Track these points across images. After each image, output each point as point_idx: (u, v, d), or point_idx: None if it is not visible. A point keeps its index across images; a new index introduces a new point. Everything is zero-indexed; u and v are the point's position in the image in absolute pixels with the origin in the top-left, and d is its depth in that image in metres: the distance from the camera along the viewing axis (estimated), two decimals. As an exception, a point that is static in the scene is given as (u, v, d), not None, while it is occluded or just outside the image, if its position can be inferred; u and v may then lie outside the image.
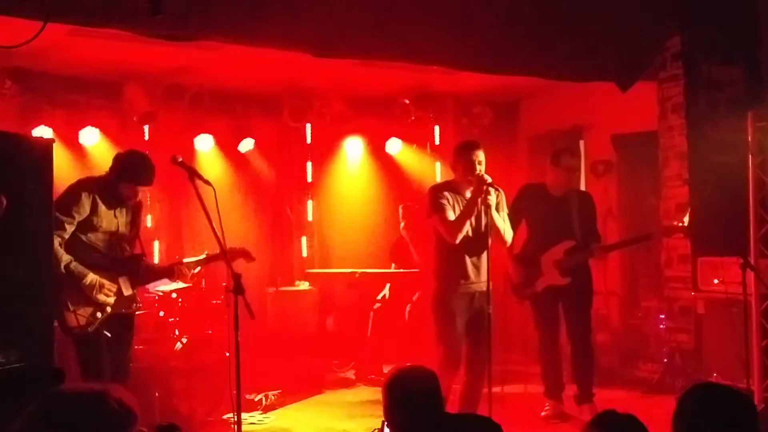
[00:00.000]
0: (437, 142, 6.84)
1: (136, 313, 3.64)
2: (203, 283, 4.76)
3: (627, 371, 5.25)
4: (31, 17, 3.04)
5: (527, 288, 4.30)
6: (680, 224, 4.74)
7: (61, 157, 5.10)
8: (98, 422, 1.29)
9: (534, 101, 6.87)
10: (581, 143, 6.41)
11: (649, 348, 5.35)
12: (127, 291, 3.45)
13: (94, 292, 3.31)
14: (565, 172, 4.29)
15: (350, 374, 5.58)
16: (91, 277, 3.31)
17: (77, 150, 5.44)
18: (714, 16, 4.97)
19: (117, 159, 3.52)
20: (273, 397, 4.72)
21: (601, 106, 5.96)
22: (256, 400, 4.64)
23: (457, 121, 6.74)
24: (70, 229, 3.30)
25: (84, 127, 5.34)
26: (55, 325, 3.51)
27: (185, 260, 3.69)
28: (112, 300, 3.38)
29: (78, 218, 3.32)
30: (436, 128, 6.81)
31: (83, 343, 3.36)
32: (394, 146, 6.60)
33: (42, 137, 4.63)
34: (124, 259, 3.50)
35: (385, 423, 2.18)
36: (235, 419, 2.95)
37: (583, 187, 6.11)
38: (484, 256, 3.66)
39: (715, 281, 4.54)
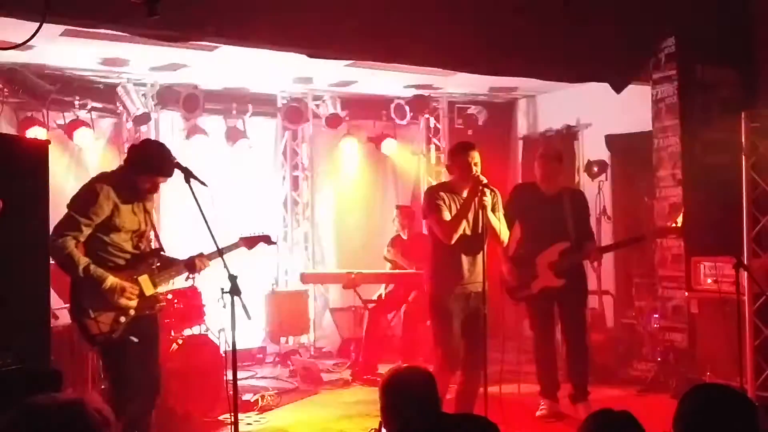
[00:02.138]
0: (432, 142, 6.86)
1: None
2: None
3: (621, 370, 5.27)
4: (28, 18, 3.03)
5: (523, 290, 4.32)
6: (673, 225, 4.77)
7: (55, 158, 5.06)
8: None
9: (528, 102, 6.90)
10: (575, 144, 6.44)
11: (643, 347, 5.37)
12: (148, 291, 3.25)
13: (116, 296, 3.12)
14: (542, 165, 4.34)
15: (346, 374, 5.59)
16: (111, 281, 3.11)
17: (72, 151, 5.43)
18: (708, 17, 5.01)
19: (133, 150, 3.32)
20: (269, 398, 4.73)
21: (595, 107, 6.00)
22: (252, 400, 4.64)
23: (452, 121, 6.77)
24: (86, 231, 3.11)
25: (78, 128, 5.31)
26: (51, 327, 3.50)
27: (206, 253, 3.46)
28: (134, 303, 3.19)
29: (96, 220, 3.12)
30: (432, 129, 6.83)
31: (108, 351, 3.17)
32: (390, 147, 6.62)
33: (37, 139, 4.62)
34: (144, 256, 3.33)
35: (383, 423, 2.19)
36: (232, 420, 2.95)
37: (576, 186, 6.14)
38: (480, 256, 3.67)
39: (709, 281, 4.57)
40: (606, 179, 5.94)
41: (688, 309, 4.81)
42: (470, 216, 3.69)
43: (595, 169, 5.94)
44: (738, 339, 4.03)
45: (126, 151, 3.36)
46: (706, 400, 1.75)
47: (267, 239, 3.75)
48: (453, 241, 3.65)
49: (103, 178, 3.28)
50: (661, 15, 4.93)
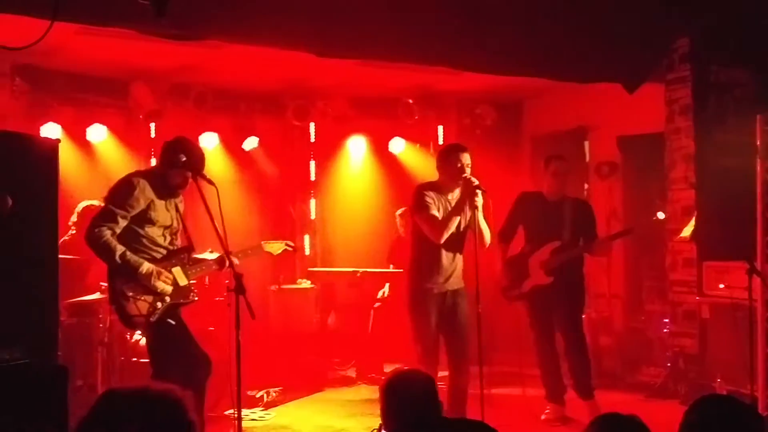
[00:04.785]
0: (440, 141, 6.82)
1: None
2: (206, 280, 4.78)
3: (629, 375, 5.23)
4: (39, 16, 3.05)
5: (514, 289, 4.35)
6: (656, 218, 4.71)
7: (68, 154, 5.14)
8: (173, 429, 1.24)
9: (538, 101, 6.84)
10: (586, 144, 6.38)
11: (652, 352, 5.32)
12: (182, 281, 3.36)
13: (152, 279, 3.24)
14: (554, 177, 4.32)
15: (351, 372, 5.59)
16: (147, 266, 3.24)
17: (85, 146, 5.48)
18: (723, 17, 4.93)
19: (165, 148, 3.43)
20: (274, 394, 4.75)
21: (606, 107, 5.93)
22: (257, 396, 4.67)
23: (460, 121, 6.74)
24: (122, 222, 3.23)
25: (91, 124, 5.39)
26: (60, 322, 3.54)
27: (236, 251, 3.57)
28: (170, 288, 3.30)
29: (132, 212, 3.25)
30: (440, 128, 6.79)
31: (150, 333, 3.30)
32: (397, 146, 6.60)
33: (48, 138, 4.64)
34: (176, 252, 3.45)
35: (382, 425, 2.18)
36: (236, 415, 2.97)
37: (587, 189, 6.09)
38: (459, 256, 3.75)
39: (721, 286, 4.50)
40: (617, 181, 5.88)
41: (699, 314, 4.75)
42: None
43: (606, 170, 5.88)
44: (750, 346, 3.97)
45: (147, 147, 3.46)
46: (712, 413, 1.72)
47: (289, 245, 3.87)
48: (443, 240, 3.65)
49: (139, 173, 3.44)
50: (675, 15, 4.86)
